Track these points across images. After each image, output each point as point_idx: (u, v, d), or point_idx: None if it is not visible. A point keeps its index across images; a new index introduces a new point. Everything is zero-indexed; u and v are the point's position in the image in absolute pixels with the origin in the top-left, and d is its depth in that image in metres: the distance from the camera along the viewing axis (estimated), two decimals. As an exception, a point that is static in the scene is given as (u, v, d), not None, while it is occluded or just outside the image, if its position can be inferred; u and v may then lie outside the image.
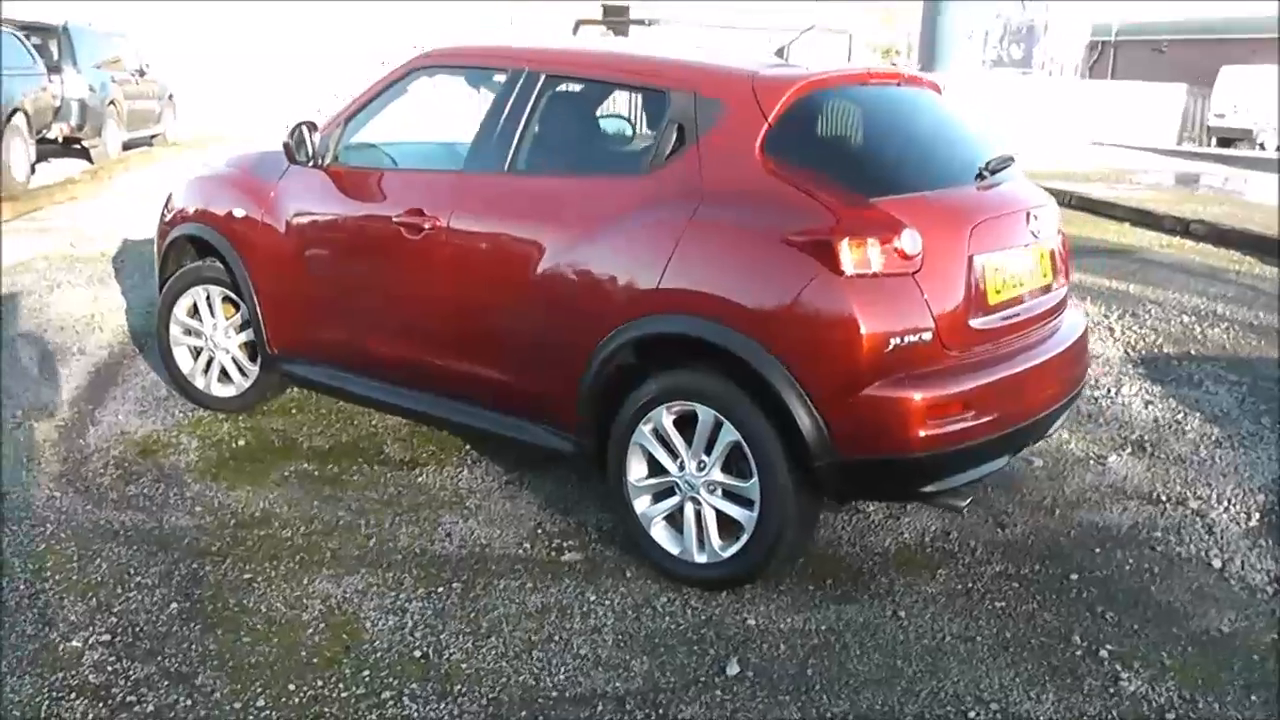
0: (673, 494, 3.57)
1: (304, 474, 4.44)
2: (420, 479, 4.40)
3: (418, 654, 3.17)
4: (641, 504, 3.63)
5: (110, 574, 3.60)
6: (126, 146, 14.20)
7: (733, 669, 3.10)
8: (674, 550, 3.57)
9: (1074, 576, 3.79)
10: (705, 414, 3.42)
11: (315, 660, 3.14)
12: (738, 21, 28.31)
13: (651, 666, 3.11)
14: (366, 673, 3.08)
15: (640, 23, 27.94)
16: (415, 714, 2.90)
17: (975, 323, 3.39)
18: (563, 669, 3.10)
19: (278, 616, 3.38)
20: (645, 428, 3.55)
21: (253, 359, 4.93)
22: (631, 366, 3.60)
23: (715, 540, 3.48)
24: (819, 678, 3.09)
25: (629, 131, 3.81)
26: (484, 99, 4.19)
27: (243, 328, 4.89)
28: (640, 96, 3.81)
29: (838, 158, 3.63)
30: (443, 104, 4.41)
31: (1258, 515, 4.38)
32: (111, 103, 13.55)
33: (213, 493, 4.26)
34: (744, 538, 3.42)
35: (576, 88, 3.98)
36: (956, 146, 3.89)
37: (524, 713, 2.91)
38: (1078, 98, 21.03)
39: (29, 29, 12.57)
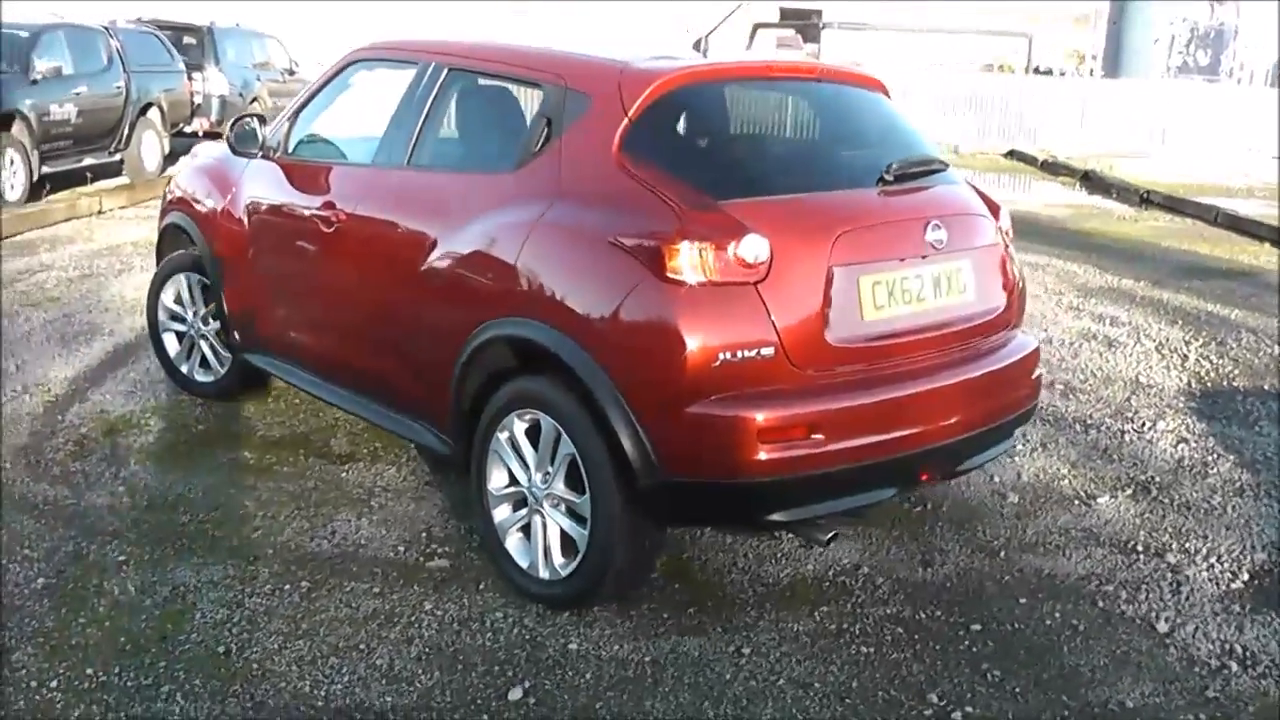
0: (526, 505, 3.41)
1: (240, 462, 4.49)
2: (344, 474, 4.37)
3: (221, 650, 3.12)
4: (500, 513, 3.48)
5: (4, 546, 3.72)
6: (270, 142, 14.93)
7: (515, 694, 2.91)
8: (524, 564, 3.40)
9: (976, 627, 3.40)
10: (547, 424, 3.24)
11: (128, 647, 3.14)
12: (943, 24, 27.54)
13: (437, 684, 2.96)
14: (163, 664, 3.05)
15: (816, 26, 27.72)
16: (177, 711, 2.84)
17: (837, 339, 3.08)
18: (347, 678, 2.98)
19: (124, 600, 3.40)
20: (501, 435, 3.40)
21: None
22: (500, 370, 3.46)
23: (557, 557, 3.30)
24: (605, 712, 2.86)
25: (511, 126, 3.66)
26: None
27: (218, 315, 4.99)
28: (522, 90, 3.66)
29: (700, 156, 3.37)
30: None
31: (1246, 577, 3.85)
32: (254, 99, 14.29)
33: (145, 475, 4.34)
34: (579, 556, 3.23)
35: (469, 81, 3.86)
36: (864, 148, 3.55)
37: (277, 719, 2.82)
38: (1266, 107, 19.29)
39: (176, 29, 13.40)
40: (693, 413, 2.93)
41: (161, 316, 5.21)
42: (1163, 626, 3.48)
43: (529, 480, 3.34)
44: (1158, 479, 4.65)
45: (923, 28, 27.35)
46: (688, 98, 3.35)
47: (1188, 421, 5.34)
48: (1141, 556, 3.96)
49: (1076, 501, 4.41)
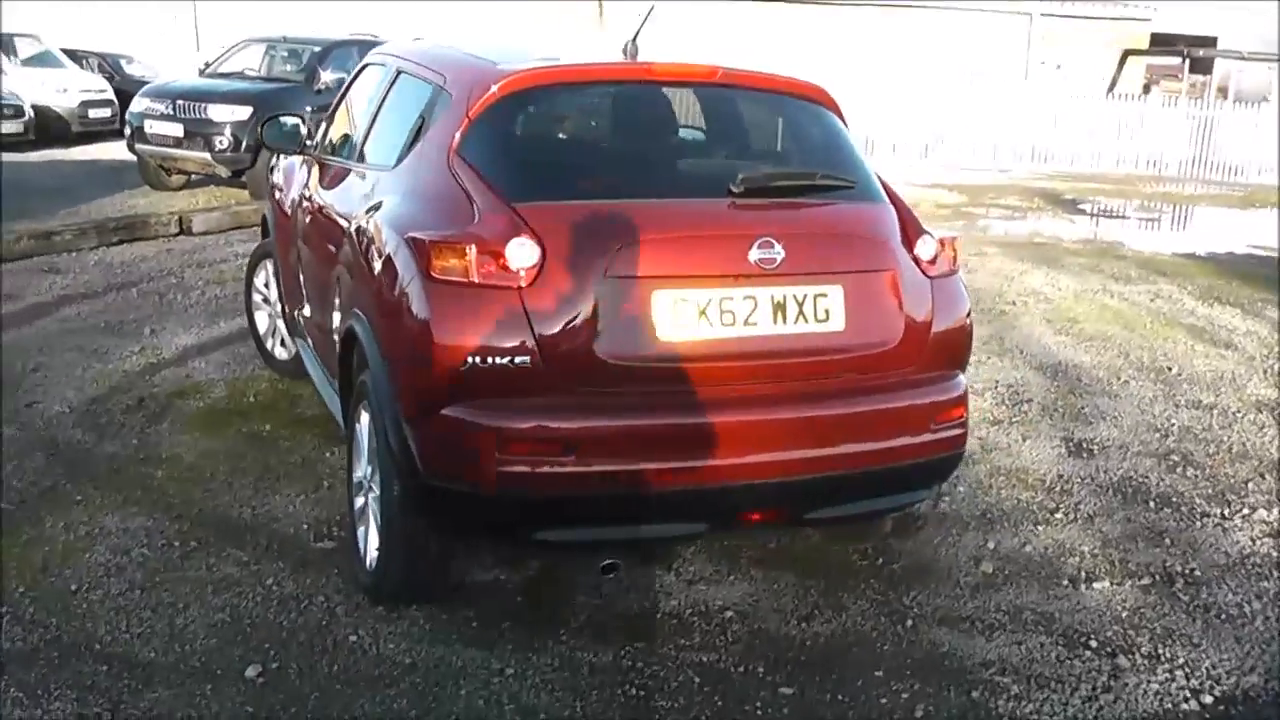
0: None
1: (254, 434, 4.85)
2: (329, 455, 4.58)
3: (73, 588, 3.42)
4: (358, 501, 3.55)
5: (4, 476, 4.25)
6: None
7: (252, 672, 2.98)
8: (361, 553, 3.46)
9: (788, 691, 3.06)
10: (368, 416, 3.29)
11: (14, 572, 3.52)
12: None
13: (202, 650, 3.08)
14: (21, 591, 3.39)
15: (1181, 55, 25.59)
16: (-6, 629, 3.18)
17: (615, 356, 2.88)
18: (139, 630, 3.17)
19: (49, 534, 3.78)
20: (357, 425, 3.48)
21: (302, 327, 5.45)
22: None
23: (373, 550, 3.33)
24: (314, 703, 2.86)
25: (410, 125, 3.71)
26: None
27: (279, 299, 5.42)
28: (425, 89, 3.70)
29: (518, 158, 3.26)
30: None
31: (1208, 700, 3.19)
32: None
33: (170, 434, 4.79)
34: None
35: (402, 82, 3.95)
36: (741, 159, 3.29)
37: (55, 654, 3.04)
38: None
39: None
40: (446, 416, 2.88)
41: (255, 298, 5.74)
42: (1032, 732, 2.97)
43: (364, 471, 3.41)
44: (1198, 573, 3.93)
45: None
46: (530, 100, 3.29)
47: (1296, 514, 4.45)
48: (1086, 653, 3.38)
49: (1065, 583, 3.82)
